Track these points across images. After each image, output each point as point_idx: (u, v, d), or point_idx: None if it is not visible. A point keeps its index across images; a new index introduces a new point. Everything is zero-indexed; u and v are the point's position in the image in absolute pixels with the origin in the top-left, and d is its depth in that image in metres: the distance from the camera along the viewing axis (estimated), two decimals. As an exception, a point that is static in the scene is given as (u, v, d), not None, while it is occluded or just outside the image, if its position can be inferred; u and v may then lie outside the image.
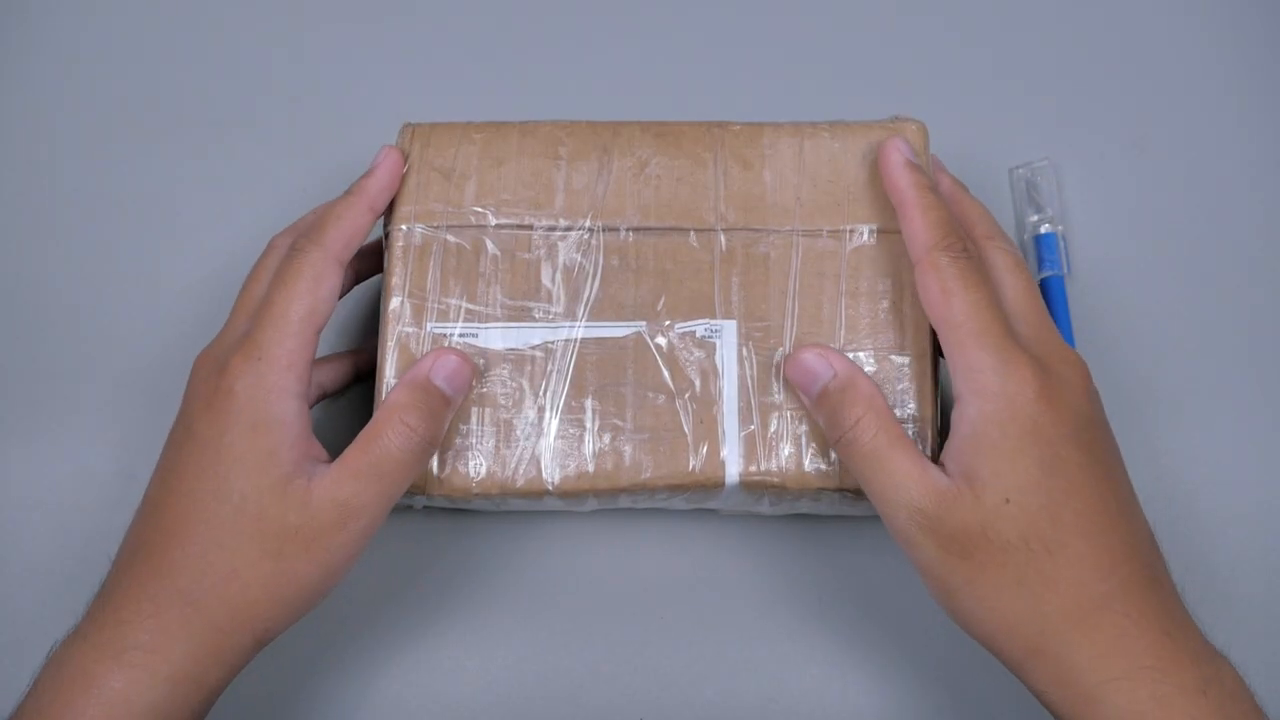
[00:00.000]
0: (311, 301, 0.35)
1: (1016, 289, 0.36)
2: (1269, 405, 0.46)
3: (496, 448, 0.38)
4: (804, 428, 0.38)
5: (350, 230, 0.37)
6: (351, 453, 0.34)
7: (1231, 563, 0.43)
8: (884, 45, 0.52)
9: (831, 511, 0.41)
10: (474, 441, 0.38)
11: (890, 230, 0.39)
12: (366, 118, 0.48)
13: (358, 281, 0.43)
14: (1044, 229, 0.47)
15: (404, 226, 0.39)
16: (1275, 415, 0.45)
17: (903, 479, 0.33)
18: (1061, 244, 0.47)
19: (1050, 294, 0.46)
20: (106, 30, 0.52)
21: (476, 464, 0.38)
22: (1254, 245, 0.48)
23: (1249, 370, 0.46)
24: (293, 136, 0.50)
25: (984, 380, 0.33)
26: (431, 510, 0.43)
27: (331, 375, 0.43)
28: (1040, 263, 0.46)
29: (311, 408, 0.40)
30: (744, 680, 0.42)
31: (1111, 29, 0.52)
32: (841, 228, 0.39)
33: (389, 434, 0.34)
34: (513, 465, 0.38)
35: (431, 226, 0.39)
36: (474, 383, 0.38)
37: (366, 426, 0.35)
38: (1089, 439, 0.33)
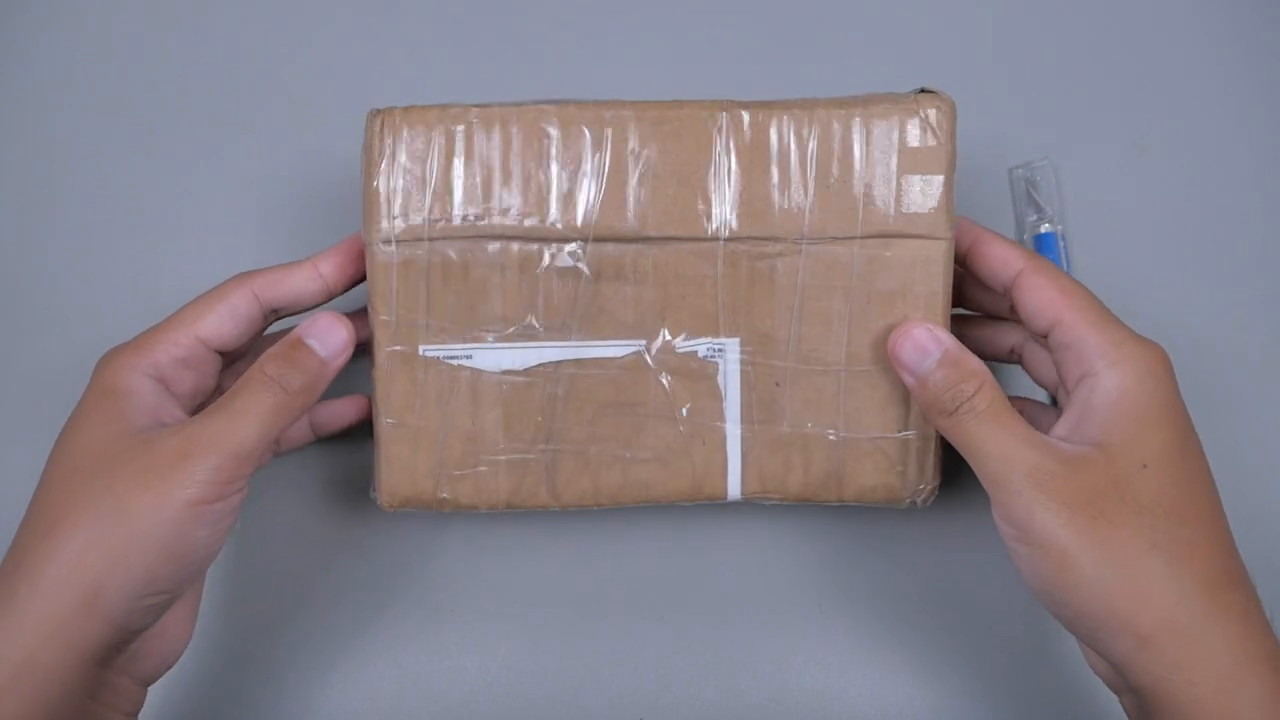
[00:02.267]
0: (202, 310, 0.36)
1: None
2: (1269, 405, 0.46)
3: (498, 468, 0.38)
4: (808, 444, 0.38)
5: (280, 279, 0.38)
6: (210, 405, 0.35)
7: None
8: (884, 45, 0.52)
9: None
10: (479, 460, 0.38)
11: (903, 236, 0.37)
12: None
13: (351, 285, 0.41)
14: (1043, 228, 0.47)
15: (383, 244, 0.37)
16: (1276, 415, 0.45)
17: (1025, 442, 0.33)
18: (1061, 244, 0.47)
19: (1050, 294, 0.46)
20: (105, 31, 0.52)
21: (480, 484, 0.38)
22: (1254, 245, 0.48)
23: (1249, 370, 0.46)
24: (293, 137, 0.50)
25: (1126, 351, 0.33)
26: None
27: (333, 414, 0.43)
28: (1040, 263, 0.46)
29: (316, 440, 0.42)
30: (744, 680, 0.42)
31: (1112, 29, 0.52)
32: (853, 235, 0.37)
33: (248, 379, 0.35)
34: (516, 483, 0.38)
35: (413, 240, 0.37)
36: (351, 341, 0.37)
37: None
38: (1189, 424, 0.34)
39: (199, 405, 0.38)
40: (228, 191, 0.49)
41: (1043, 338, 0.36)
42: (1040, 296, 0.35)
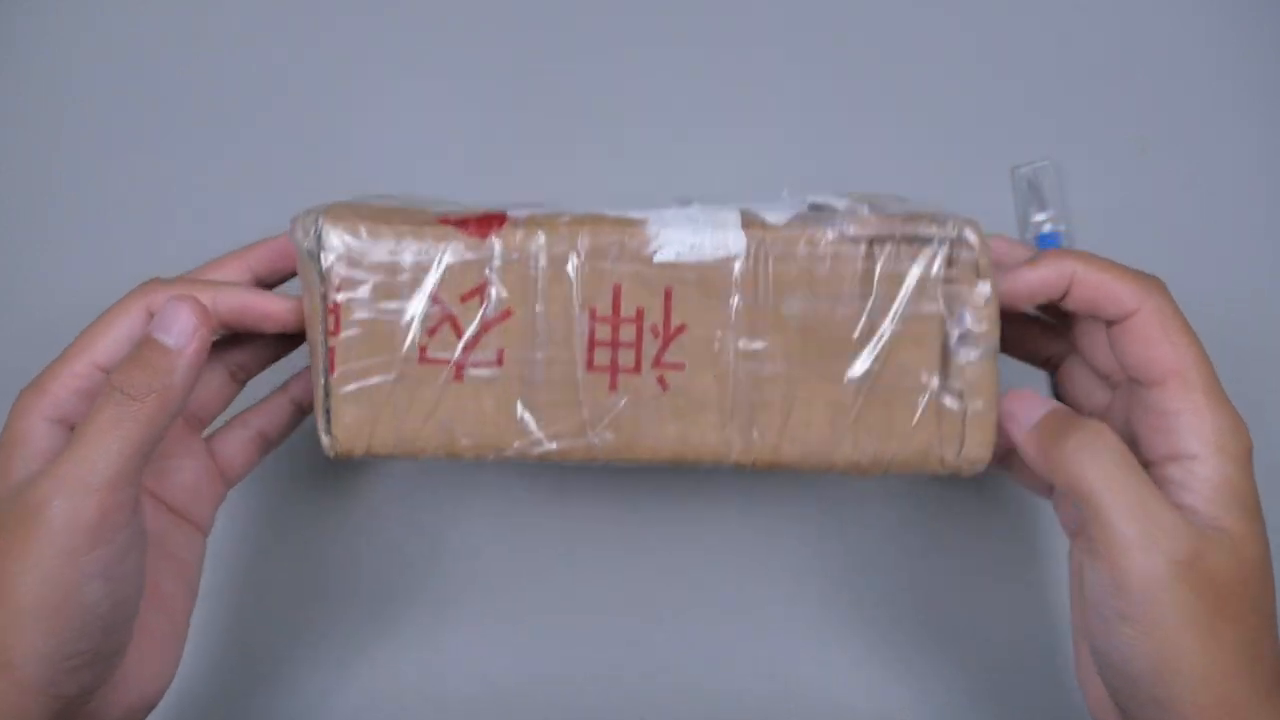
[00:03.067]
0: (98, 335, 0.33)
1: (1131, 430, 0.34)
2: (1270, 405, 0.46)
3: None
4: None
5: (194, 280, 0.34)
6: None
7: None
8: (884, 44, 0.52)
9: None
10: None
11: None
12: (365, 117, 0.48)
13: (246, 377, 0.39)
14: (1046, 228, 0.47)
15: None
16: (1276, 415, 0.45)
17: (1165, 506, 0.30)
18: (1064, 244, 0.47)
19: (1052, 294, 0.46)
20: (105, 32, 0.52)
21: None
22: (1254, 245, 0.48)
23: (1249, 370, 0.46)
24: (293, 138, 0.50)
25: (1224, 441, 0.31)
26: (432, 510, 0.43)
27: (270, 418, 0.39)
28: (1042, 262, 0.46)
29: (262, 457, 0.39)
30: (744, 679, 0.42)
31: (1113, 29, 0.52)
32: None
33: (100, 403, 0.31)
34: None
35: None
36: (204, 326, 0.33)
37: None
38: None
39: None
40: (228, 193, 0.49)
41: (1139, 384, 0.33)
42: (1141, 349, 0.32)
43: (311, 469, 0.45)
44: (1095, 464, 0.30)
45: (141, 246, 0.48)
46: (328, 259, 0.33)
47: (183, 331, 0.32)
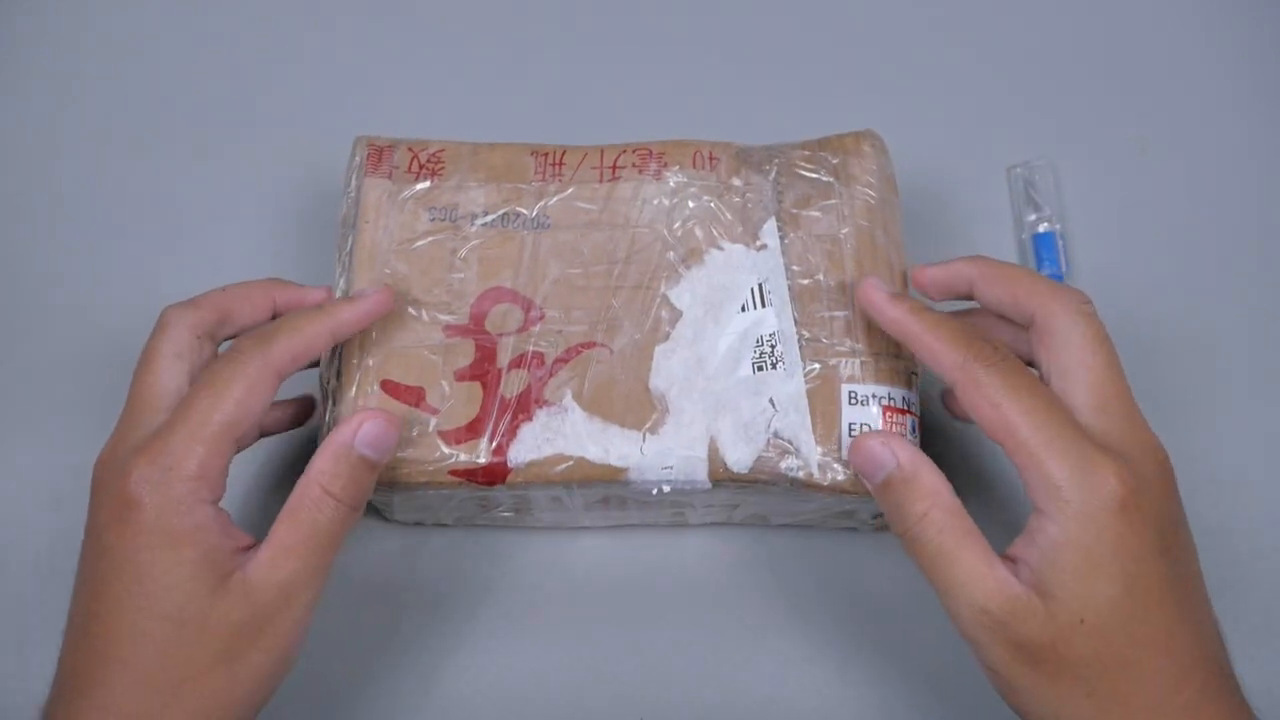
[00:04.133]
0: (237, 413, 0.33)
1: (1095, 370, 0.33)
2: (1270, 405, 0.46)
3: None
4: None
5: (302, 348, 0.35)
6: (280, 530, 0.33)
7: (1236, 562, 0.43)
8: (884, 45, 0.52)
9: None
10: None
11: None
12: (367, 118, 0.48)
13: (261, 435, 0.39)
14: (1042, 228, 0.47)
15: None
16: (1276, 415, 0.45)
17: (969, 579, 0.31)
18: (1060, 243, 0.47)
19: (1050, 294, 0.46)
20: (105, 34, 0.52)
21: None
22: (1254, 245, 0.48)
23: (1249, 370, 0.46)
24: (293, 139, 0.50)
25: (1062, 496, 0.31)
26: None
27: (272, 419, 0.41)
28: (1039, 262, 0.46)
29: (257, 438, 0.39)
30: (743, 680, 0.42)
31: (1111, 29, 0.52)
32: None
33: (315, 507, 0.33)
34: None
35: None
36: (400, 437, 0.35)
37: (291, 498, 0.33)
38: (1170, 545, 0.32)
39: None
40: (228, 193, 0.49)
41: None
42: (976, 415, 0.32)
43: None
44: (918, 547, 0.32)
45: (142, 244, 0.48)
46: None
47: (385, 451, 0.35)
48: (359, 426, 0.34)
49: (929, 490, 0.33)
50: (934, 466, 0.33)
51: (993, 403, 0.32)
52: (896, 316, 0.35)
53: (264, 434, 0.40)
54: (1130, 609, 0.31)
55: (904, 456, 0.33)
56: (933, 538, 0.32)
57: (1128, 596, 0.31)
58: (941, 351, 0.33)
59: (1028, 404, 0.32)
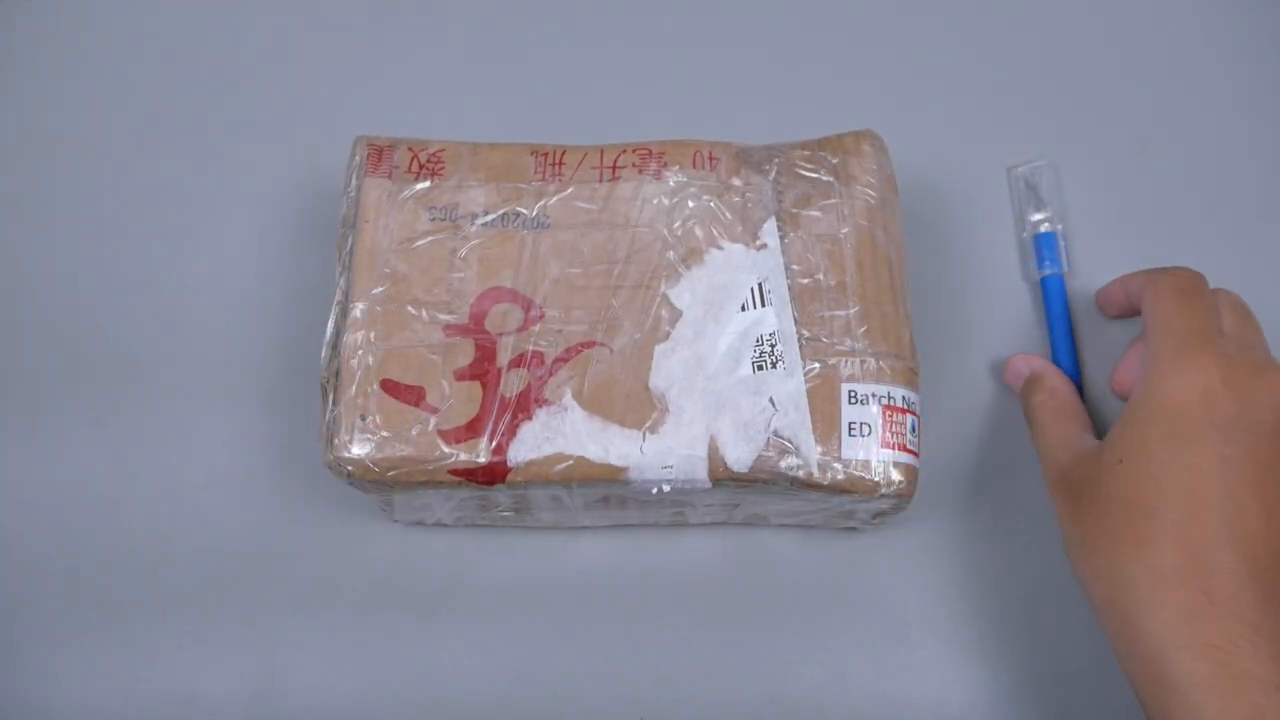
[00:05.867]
0: None
1: (1234, 316, 0.39)
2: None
3: None
4: None
5: None
6: None
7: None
8: (884, 45, 0.52)
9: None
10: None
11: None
12: (367, 119, 0.48)
13: None
14: (1043, 228, 0.47)
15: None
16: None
17: (1057, 442, 0.39)
18: (1061, 243, 0.47)
19: (1050, 294, 0.46)
20: (105, 34, 0.52)
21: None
22: (1254, 245, 0.48)
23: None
24: (293, 139, 0.50)
25: (1156, 367, 0.36)
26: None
27: None
28: (1040, 262, 0.46)
29: None
30: (744, 680, 0.42)
31: (1111, 29, 0.52)
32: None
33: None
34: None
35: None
36: None
37: None
38: (1248, 439, 0.34)
39: None
40: (228, 193, 0.49)
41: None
42: (1144, 307, 0.39)
43: (306, 470, 0.45)
44: (1034, 418, 0.41)
45: (142, 244, 0.48)
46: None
47: None
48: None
49: (1048, 387, 0.42)
50: (1059, 372, 0.43)
51: (1156, 297, 0.39)
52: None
53: None
54: (1165, 459, 0.34)
55: (1035, 366, 0.43)
56: (1040, 417, 0.41)
57: (1167, 448, 0.35)
58: (1144, 275, 0.41)
59: (1183, 304, 0.38)
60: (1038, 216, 0.47)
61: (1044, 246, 0.46)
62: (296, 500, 0.44)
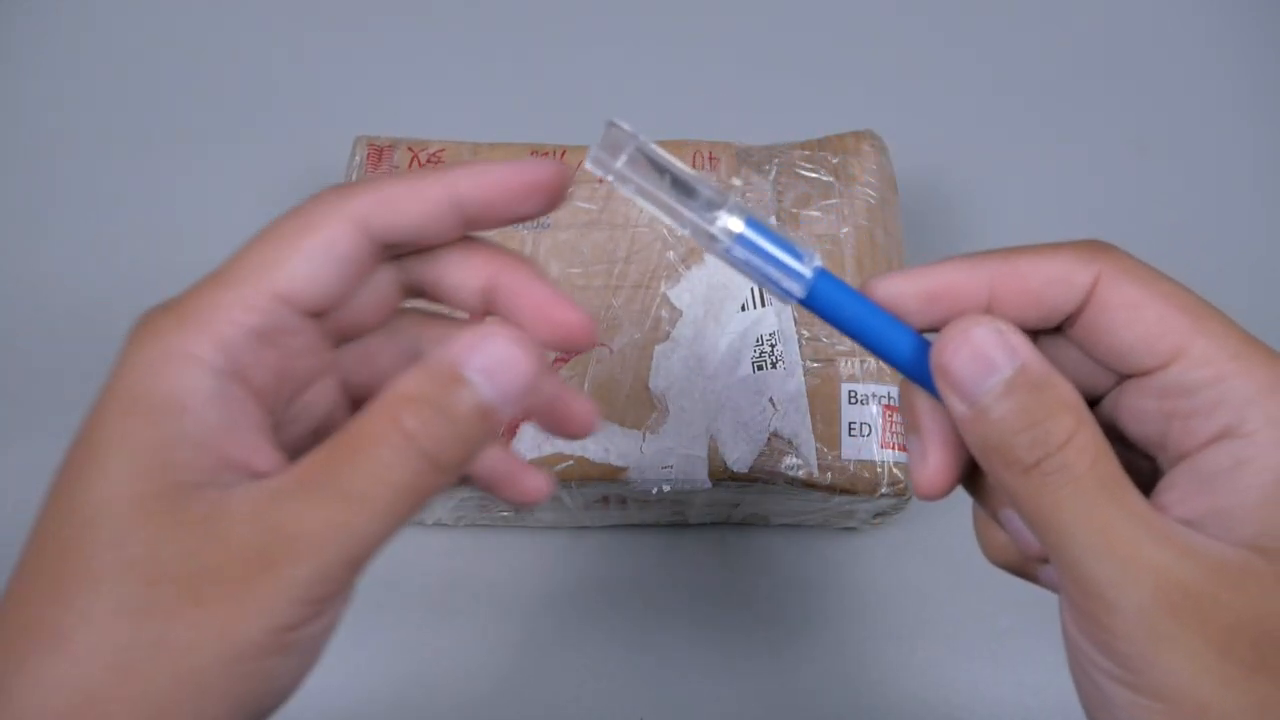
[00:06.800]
0: (287, 257, 0.22)
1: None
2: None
3: None
4: None
5: (398, 199, 0.22)
6: (310, 459, 0.20)
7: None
8: (884, 45, 0.52)
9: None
10: None
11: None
12: (367, 118, 0.48)
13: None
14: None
15: None
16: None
17: (1149, 531, 0.20)
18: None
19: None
20: (105, 34, 0.52)
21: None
22: (1254, 245, 0.48)
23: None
24: (293, 139, 0.50)
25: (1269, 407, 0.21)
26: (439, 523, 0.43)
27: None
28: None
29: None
30: (744, 680, 0.42)
31: (1111, 29, 0.52)
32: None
33: (374, 440, 0.20)
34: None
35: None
36: (538, 386, 0.22)
37: (349, 421, 0.20)
38: None
39: (290, 414, 0.23)
40: (228, 191, 0.49)
41: (1142, 374, 0.23)
42: (1145, 318, 0.23)
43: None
44: (1059, 492, 0.20)
45: (142, 244, 0.49)
46: None
47: (513, 387, 0.21)
48: (477, 345, 0.21)
49: (1071, 402, 0.21)
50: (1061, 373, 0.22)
51: (1171, 302, 0.24)
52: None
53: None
54: None
55: (1026, 354, 0.21)
56: (1085, 474, 0.20)
57: None
58: (1070, 265, 0.24)
59: (1209, 308, 0.25)
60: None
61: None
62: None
